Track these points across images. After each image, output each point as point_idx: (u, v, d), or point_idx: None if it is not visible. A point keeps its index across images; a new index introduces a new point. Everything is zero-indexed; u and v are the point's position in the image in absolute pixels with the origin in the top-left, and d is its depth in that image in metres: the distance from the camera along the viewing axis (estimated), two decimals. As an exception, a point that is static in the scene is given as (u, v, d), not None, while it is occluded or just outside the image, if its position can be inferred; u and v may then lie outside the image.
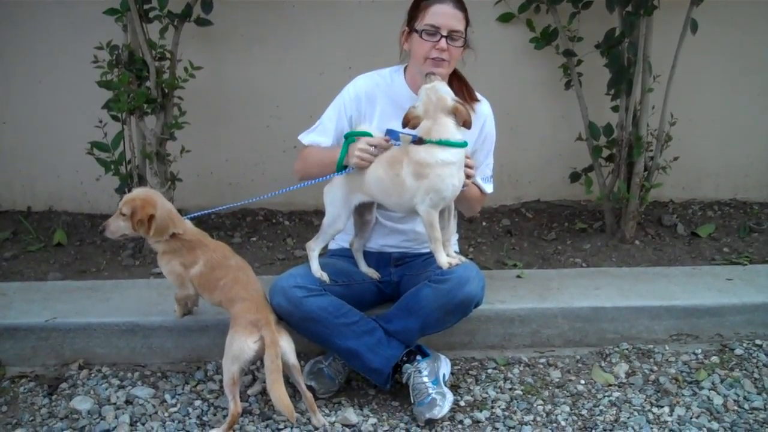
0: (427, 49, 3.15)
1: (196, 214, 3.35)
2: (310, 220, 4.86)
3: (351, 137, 3.18)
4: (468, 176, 3.08)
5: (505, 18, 4.78)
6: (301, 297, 3.08)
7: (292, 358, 3.02)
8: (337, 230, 3.25)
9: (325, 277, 3.18)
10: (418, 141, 3.00)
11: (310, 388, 3.19)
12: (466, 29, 3.20)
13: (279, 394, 2.90)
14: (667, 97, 4.54)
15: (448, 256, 3.10)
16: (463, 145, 3.02)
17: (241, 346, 2.96)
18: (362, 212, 3.32)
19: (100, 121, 4.23)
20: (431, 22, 3.14)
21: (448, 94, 3.04)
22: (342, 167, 3.16)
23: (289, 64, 4.82)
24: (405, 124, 3.06)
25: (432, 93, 3.03)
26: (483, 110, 3.39)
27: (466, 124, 3.01)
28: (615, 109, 4.58)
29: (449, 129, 2.98)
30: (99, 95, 4.22)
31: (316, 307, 3.09)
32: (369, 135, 3.14)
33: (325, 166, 3.22)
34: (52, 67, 4.75)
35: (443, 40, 3.13)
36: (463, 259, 3.17)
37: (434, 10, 3.14)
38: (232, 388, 2.96)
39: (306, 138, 3.38)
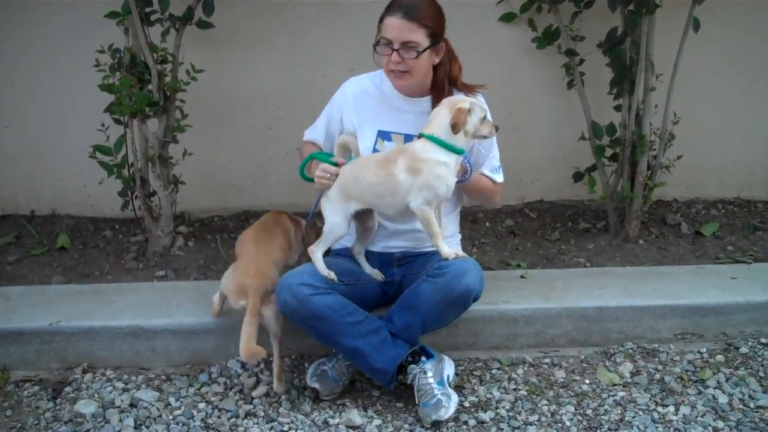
0: (384, 62, 3.23)
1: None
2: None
3: (310, 158, 3.34)
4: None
5: (507, 18, 4.76)
6: (308, 294, 3.08)
7: (273, 327, 3.23)
8: (338, 236, 3.24)
9: (332, 275, 3.17)
10: (418, 136, 3.10)
11: (313, 389, 3.20)
12: (435, 36, 3.18)
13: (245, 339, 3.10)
14: (670, 96, 4.53)
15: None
16: (460, 151, 3.07)
17: (231, 294, 3.26)
18: (364, 219, 3.32)
19: (103, 125, 4.23)
20: (383, 35, 3.19)
21: (463, 101, 3.09)
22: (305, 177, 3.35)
23: (291, 65, 4.81)
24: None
25: (458, 96, 3.19)
26: None
27: (454, 127, 3.02)
28: (618, 108, 4.56)
29: (442, 121, 3.04)
30: (101, 99, 4.21)
31: (322, 305, 3.09)
32: (328, 160, 3.24)
33: None
34: (54, 71, 4.74)
35: (395, 53, 3.16)
36: (464, 254, 3.18)
37: (386, 23, 3.18)
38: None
39: (306, 134, 3.60)
